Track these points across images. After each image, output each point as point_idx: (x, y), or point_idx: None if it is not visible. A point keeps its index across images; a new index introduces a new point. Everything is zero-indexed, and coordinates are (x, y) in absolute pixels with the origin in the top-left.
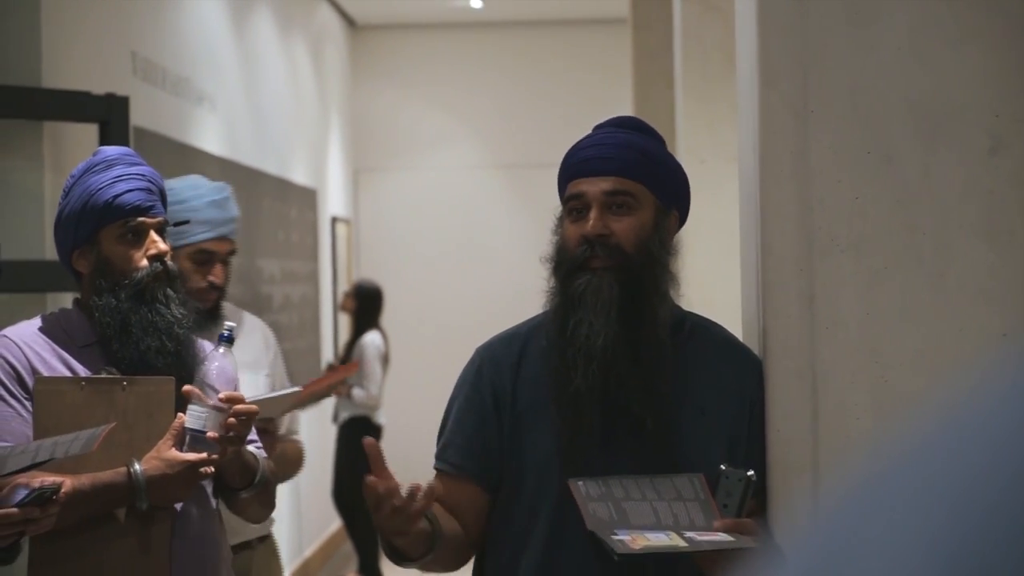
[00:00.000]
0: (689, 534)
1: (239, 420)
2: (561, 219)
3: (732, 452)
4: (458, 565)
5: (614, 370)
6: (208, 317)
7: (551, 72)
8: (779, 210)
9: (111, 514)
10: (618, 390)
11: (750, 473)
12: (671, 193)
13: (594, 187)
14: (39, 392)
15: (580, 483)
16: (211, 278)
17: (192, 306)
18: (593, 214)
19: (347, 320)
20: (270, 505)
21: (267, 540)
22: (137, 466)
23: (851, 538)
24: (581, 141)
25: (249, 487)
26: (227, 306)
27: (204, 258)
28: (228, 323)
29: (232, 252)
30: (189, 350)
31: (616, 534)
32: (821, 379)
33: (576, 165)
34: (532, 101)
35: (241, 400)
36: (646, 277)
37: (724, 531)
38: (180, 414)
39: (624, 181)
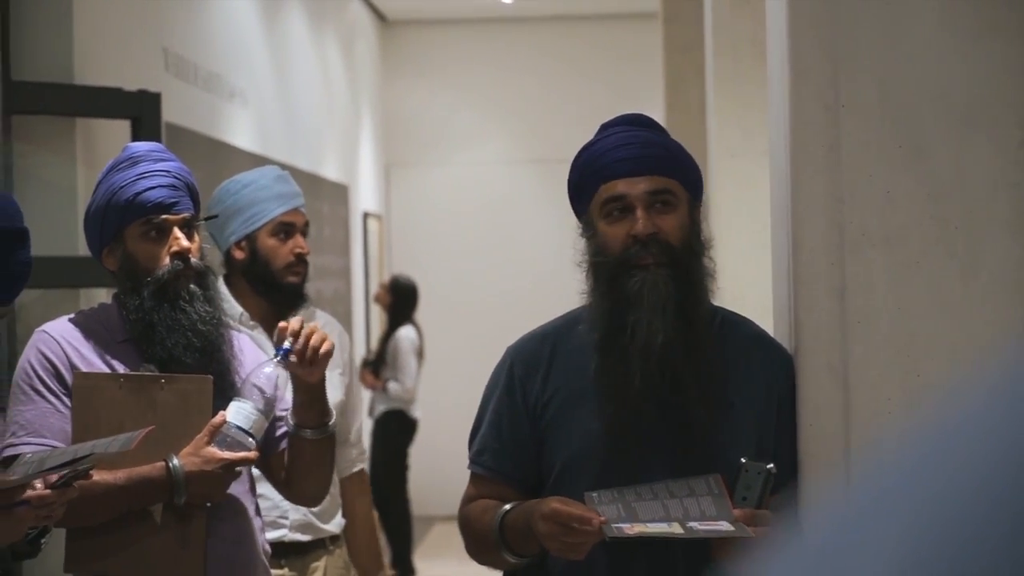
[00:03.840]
0: (691, 524)
1: (312, 349)
2: (589, 223)
3: (761, 446)
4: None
5: (669, 368)
6: (298, 295)
7: (582, 67)
8: (810, 204)
9: (147, 510)
10: (672, 388)
11: (770, 466)
12: (695, 184)
13: (635, 188)
14: (78, 388)
15: (594, 494)
16: (298, 249)
17: (221, 303)
18: (640, 214)
19: (379, 316)
20: (327, 481)
21: (338, 540)
22: (176, 460)
23: (882, 531)
24: (600, 143)
25: (318, 428)
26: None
27: (285, 230)
28: (288, 342)
29: (308, 224)
30: (218, 346)
31: (618, 525)
32: (852, 373)
33: (609, 167)
34: (563, 96)
35: (303, 327)
36: (694, 272)
37: (739, 520)
38: (222, 412)
39: (661, 179)
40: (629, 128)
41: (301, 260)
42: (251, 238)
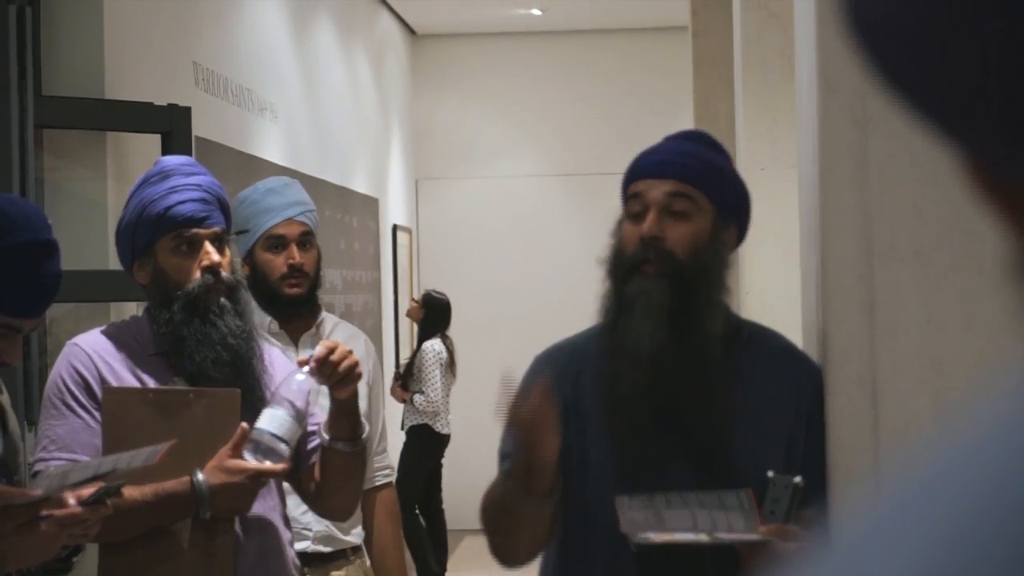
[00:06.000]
0: (719, 534)
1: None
2: (621, 221)
3: (789, 460)
4: (540, 548)
5: (660, 377)
6: (301, 305)
7: (611, 80)
8: (839, 217)
9: (176, 525)
10: (667, 398)
11: (797, 480)
12: (730, 207)
13: (654, 189)
14: (107, 402)
15: (625, 498)
16: (289, 260)
17: (252, 317)
18: (651, 216)
19: (409, 329)
20: (357, 495)
21: (359, 551)
22: (200, 475)
23: (911, 544)
24: (648, 148)
25: (349, 441)
26: (329, 317)
27: (276, 243)
28: (317, 351)
29: (307, 234)
30: (249, 360)
31: (645, 533)
32: (881, 387)
33: (638, 166)
34: (592, 109)
35: (336, 347)
36: (697, 285)
37: (767, 535)
38: (243, 424)
39: (684, 185)
40: (682, 141)
41: (295, 271)
42: (251, 254)
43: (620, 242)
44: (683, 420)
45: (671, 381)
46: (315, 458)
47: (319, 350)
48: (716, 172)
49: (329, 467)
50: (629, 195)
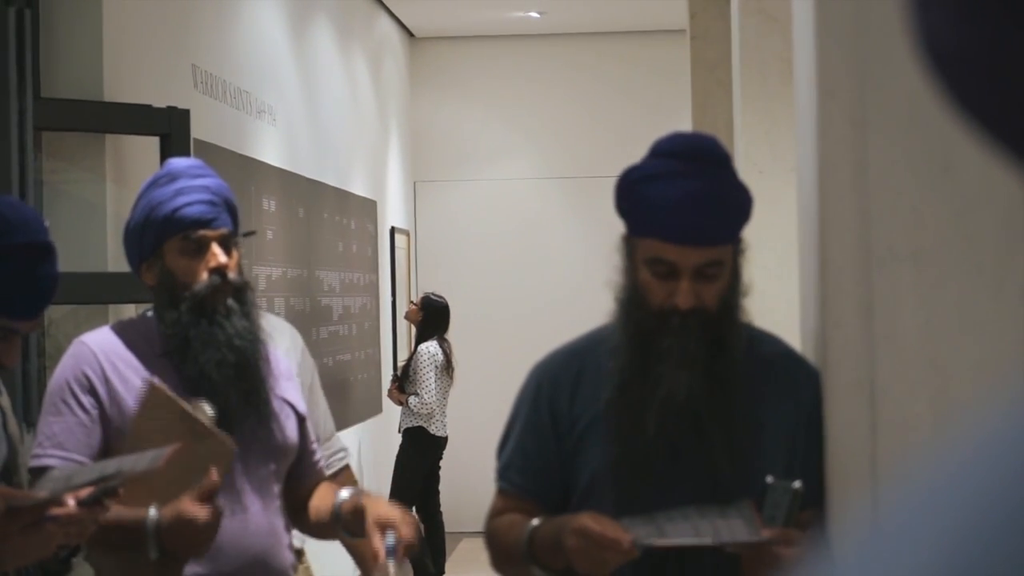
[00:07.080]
0: (721, 538)
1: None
2: (632, 256)
3: (790, 465)
4: None
5: (689, 417)
6: None
7: (610, 83)
8: (838, 220)
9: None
10: (695, 437)
11: (796, 485)
12: (744, 226)
13: (686, 259)
14: (148, 396)
15: (626, 520)
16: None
17: (259, 319)
18: (684, 287)
19: (407, 331)
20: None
21: (301, 555)
22: (153, 512)
23: (910, 549)
24: (658, 187)
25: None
26: None
27: None
28: (391, 537)
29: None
30: (255, 362)
31: (648, 539)
32: (880, 390)
33: (663, 226)
34: (591, 112)
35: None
36: (727, 328)
37: (768, 539)
38: (213, 469)
39: (715, 250)
40: (689, 173)
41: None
42: None
43: (643, 291)
44: (691, 438)
45: (702, 419)
46: (315, 478)
47: (405, 539)
48: (735, 213)
49: (326, 527)
50: (654, 256)
